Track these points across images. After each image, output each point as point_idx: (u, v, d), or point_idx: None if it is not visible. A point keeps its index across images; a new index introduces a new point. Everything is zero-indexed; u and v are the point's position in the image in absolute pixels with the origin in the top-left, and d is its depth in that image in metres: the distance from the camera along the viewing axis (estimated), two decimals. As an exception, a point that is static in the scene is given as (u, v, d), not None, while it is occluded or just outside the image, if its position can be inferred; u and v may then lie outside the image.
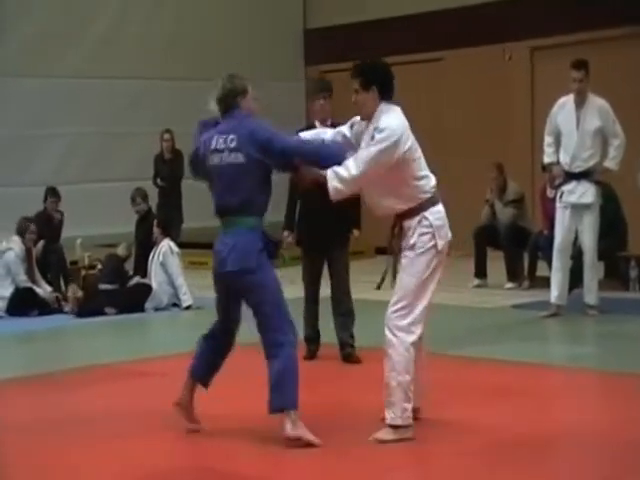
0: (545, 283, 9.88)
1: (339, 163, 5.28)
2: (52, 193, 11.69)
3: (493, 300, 10.51)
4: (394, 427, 5.24)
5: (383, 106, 5.37)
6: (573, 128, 9.08)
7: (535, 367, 7.23)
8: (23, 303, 10.34)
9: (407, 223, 5.34)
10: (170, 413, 5.76)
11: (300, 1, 17.40)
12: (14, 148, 13.93)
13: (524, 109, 14.68)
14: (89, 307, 10.35)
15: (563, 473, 4.98)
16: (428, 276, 5.32)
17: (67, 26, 14.55)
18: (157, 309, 10.58)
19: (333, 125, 7.03)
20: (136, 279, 10.80)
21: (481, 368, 7.23)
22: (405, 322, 5.25)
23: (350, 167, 5.24)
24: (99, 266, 11.27)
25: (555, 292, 9.21)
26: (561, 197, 9.19)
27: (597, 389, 6.86)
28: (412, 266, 5.30)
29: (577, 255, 9.42)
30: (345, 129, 5.65)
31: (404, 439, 5.23)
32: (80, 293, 10.72)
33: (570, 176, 9.13)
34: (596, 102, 9.11)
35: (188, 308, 10.52)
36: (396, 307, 5.28)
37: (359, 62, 5.54)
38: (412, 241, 5.32)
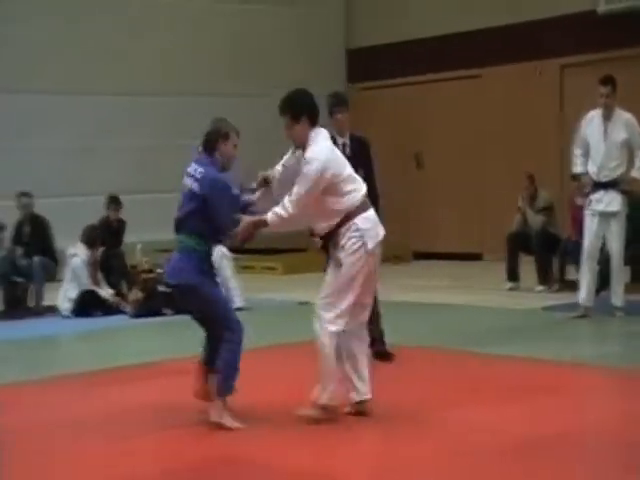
0: (574, 286, 9.88)
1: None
2: (114, 201, 11.81)
3: (525, 302, 10.47)
4: (320, 407, 5.53)
5: (312, 135, 5.57)
6: (601, 140, 9.05)
7: (564, 365, 7.19)
8: (87, 304, 10.47)
9: (340, 230, 5.52)
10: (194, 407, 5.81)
11: (342, 21, 17.45)
12: (80, 158, 14.12)
13: (554, 122, 14.64)
14: (148, 308, 10.46)
15: (583, 470, 4.93)
16: (355, 274, 5.49)
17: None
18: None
19: (352, 137, 7.41)
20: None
21: (512, 366, 7.20)
22: (330, 315, 5.48)
23: (287, 206, 5.48)
24: (158, 270, 11.36)
25: (583, 294, 9.19)
26: (589, 205, 9.16)
27: (623, 387, 6.79)
28: (343, 266, 5.47)
29: (604, 260, 9.36)
30: (286, 158, 5.80)
31: (329, 419, 5.51)
32: (140, 295, 10.83)
33: (598, 185, 9.10)
34: (623, 116, 9.08)
35: (239, 310, 10.57)
36: (323, 302, 5.53)
37: (284, 98, 5.68)
38: (341, 243, 5.50)
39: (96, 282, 10.77)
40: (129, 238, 11.89)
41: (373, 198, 7.40)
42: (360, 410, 5.70)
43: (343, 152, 7.23)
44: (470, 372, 7.05)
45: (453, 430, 5.43)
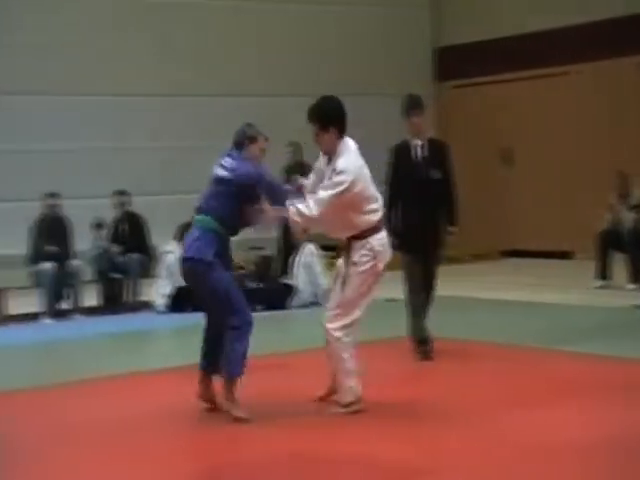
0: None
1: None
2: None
3: (615, 300, 10.36)
4: (344, 405, 5.80)
5: (342, 145, 5.73)
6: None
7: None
8: (181, 300, 10.73)
9: (354, 244, 5.78)
10: (296, 400, 6.06)
11: (429, 20, 17.45)
12: (176, 160, 14.45)
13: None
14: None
15: None
16: (364, 291, 5.79)
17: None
18: (299, 307, 10.85)
19: (430, 140, 7.53)
20: (281, 279, 11.10)
21: (597, 364, 7.18)
22: (337, 324, 5.76)
23: (311, 207, 5.62)
24: (250, 267, 11.62)
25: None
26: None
27: None
28: (352, 281, 5.75)
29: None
30: (317, 164, 5.97)
31: (356, 411, 5.78)
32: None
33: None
34: None
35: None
36: (331, 313, 5.82)
37: (313, 106, 5.82)
38: (355, 259, 5.77)
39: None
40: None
41: (449, 199, 7.57)
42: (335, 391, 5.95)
43: (417, 154, 7.43)
44: (551, 370, 7.04)
45: (525, 430, 5.46)
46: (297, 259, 11.07)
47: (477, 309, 7.67)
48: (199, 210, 5.98)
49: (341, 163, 5.65)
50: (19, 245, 11.04)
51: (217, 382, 5.97)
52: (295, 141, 12.20)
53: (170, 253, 10.93)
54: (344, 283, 5.80)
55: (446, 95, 17.15)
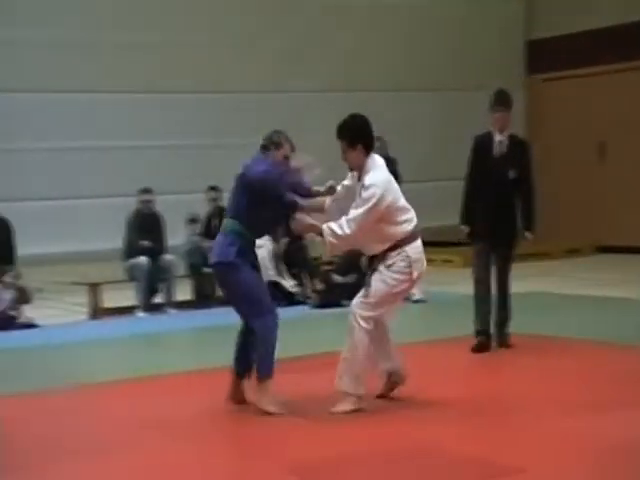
0: None
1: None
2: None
3: None
4: (346, 394, 5.84)
5: (369, 162, 5.85)
6: None
7: None
8: (271, 295, 10.76)
9: (389, 254, 5.85)
10: (394, 395, 6.01)
11: (522, 13, 17.27)
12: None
13: None
14: (328, 299, 10.76)
15: None
16: (398, 292, 5.89)
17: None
18: (390, 302, 10.84)
19: (511, 137, 7.65)
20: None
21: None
22: (367, 314, 5.84)
23: (344, 226, 5.72)
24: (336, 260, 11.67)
25: None
26: None
27: None
28: (385, 277, 5.84)
29: None
30: (347, 179, 6.06)
31: (357, 409, 5.81)
32: (321, 286, 11.15)
33: None
34: None
35: (417, 302, 10.73)
36: (363, 300, 5.88)
37: (342, 123, 5.92)
38: (389, 262, 5.84)
39: (280, 273, 11.15)
40: (311, 231, 12.20)
41: (527, 202, 7.68)
42: (392, 387, 6.12)
43: (497, 149, 7.58)
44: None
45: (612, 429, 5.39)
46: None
47: (569, 305, 7.58)
48: (227, 214, 6.12)
49: (369, 179, 5.78)
50: (114, 240, 11.31)
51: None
52: (380, 136, 12.20)
53: (261, 248, 11.02)
54: (378, 279, 5.86)
55: (538, 88, 16.94)
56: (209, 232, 11.59)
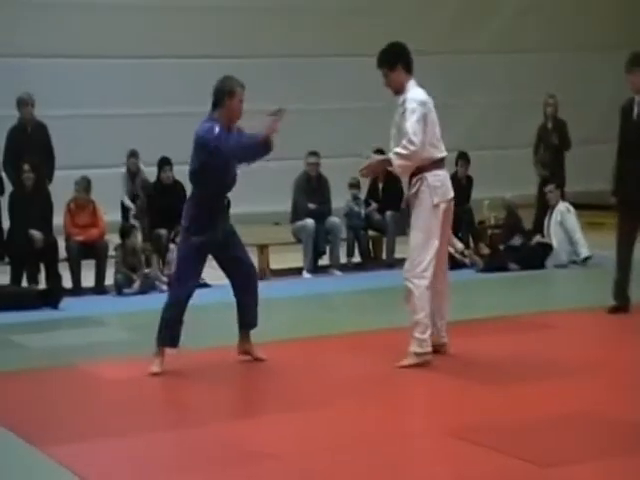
0: None
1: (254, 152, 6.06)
2: (463, 157, 12.06)
3: None
4: (416, 354, 6.06)
5: (410, 83, 6.17)
6: None
7: None
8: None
9: (413, 179, 6.11)
10: (560, 362, 6.01)
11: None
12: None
13: None
14: (494, 263, 10.68)
15: None
16: (430, 228, 6.04)
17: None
18: (557, 266, 10.68)
19: None
20: (537, 238, 10.97)
21: None
22: (417, 270, 6.03)
23: (405, 144, 5.96)
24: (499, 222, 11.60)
25: None
26: None
27: None
28: (417, 223, 6.08)
29: None
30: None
31: (424, 363, 6.05)
32: (486, 250, 11.08)
33: None
34: None
35: (586, 260, 10.55)
36: (410, 260, 6.10)
37: (380, 52, 6.25)
38: (415, 195, 6.08)
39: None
40: (477, 194, 12.13)
41: None
42: (439, 349, 6.30)
43: (635, 112, 7.57)
44: None
45: None
46: (552, 218, 10.89)
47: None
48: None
49: (410, 94, 6.10)
50: (283, 202, 11.53)
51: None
52: (553, 94, 11.99)
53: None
54: (412, 223, 6.09)
55: None
56: (373, 195, 11.68)
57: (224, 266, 6.39)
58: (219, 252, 6.28)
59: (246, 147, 6.05)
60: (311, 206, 11.04)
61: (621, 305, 7.69)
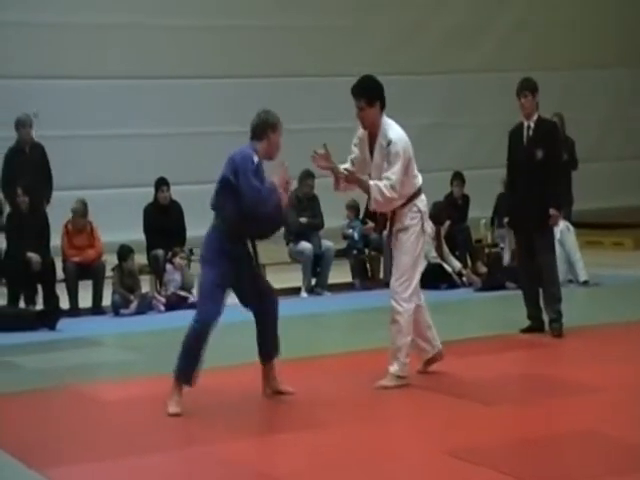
0: None
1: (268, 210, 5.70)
2: (457, 177, 12.08)
3: None
4: (397, 377, 6.11)
5: (385, 119, 6.13)
6: None
7: None
8: (434, 277, 10.79)
9: (401, 211, 6.13)
10: (560, 380, 6.01)
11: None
12: (427, 137, 14.58)
13: None
14: (491, 282, 10.66)
15: None
16: (419, 252, 6.15)
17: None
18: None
19: (538, 121, 7.81)
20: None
21: None
22: (407, 294, 6.09)
23: (392, 191, 5.96)
24: (501, 244, 11.54)
25: None
26: None
27: None
28: (406, 246, 6.11)
29: None
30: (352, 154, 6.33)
31: (403, 385, 6.10)
32: (484, 269, 11.06)
33: None
34: None
35: (585, 283, 10.52)
36: (399, 282, 6.10)
37: (359, 82, 6.18)
38: (406, 223, 6.11)
39: (442, 256, 11.10)
40: (473, 213, 12.13)
41: (551, 181, 7.71)
42: (430, 363, 6.43)
43: (525, 135, 7.80)
44: None
45: None
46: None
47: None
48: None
49: (393, 134, 6.05)
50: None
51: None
52: (560, 113, 11.98)
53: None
54: (396, 253, 6.12)
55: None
56: (368, 216, 11.67)
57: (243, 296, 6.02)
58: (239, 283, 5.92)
59: (264, 207, 5.69)
60: (303, 220, 11.05)
61: (534, 326, 7.81)
